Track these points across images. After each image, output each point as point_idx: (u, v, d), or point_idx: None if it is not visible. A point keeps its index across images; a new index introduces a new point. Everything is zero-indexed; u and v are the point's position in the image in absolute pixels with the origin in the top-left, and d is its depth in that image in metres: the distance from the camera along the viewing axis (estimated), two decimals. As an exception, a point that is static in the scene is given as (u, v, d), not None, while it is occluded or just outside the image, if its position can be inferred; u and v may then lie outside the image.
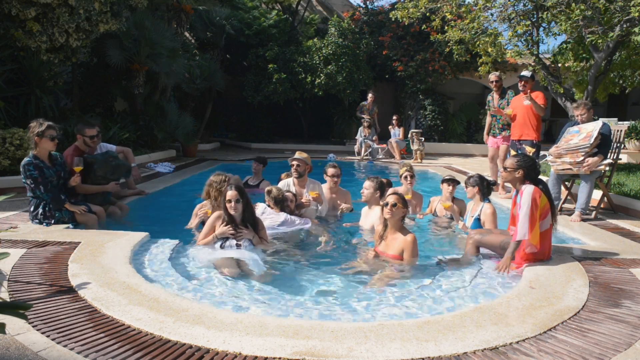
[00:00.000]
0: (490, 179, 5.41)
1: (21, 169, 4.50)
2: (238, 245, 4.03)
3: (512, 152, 6.61)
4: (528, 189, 3.71)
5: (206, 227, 4.18)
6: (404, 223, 3.99)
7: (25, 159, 4.50)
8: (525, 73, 6.72)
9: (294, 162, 5.42)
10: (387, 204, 3.88)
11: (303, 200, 5.16)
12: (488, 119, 7.67)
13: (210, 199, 4.69)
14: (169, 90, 12.24)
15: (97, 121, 6.07)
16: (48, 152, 4.60)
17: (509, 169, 3.87)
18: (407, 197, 5.64)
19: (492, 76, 7.40)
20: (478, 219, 4.77)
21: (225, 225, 4.06)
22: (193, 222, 4.81)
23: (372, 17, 15.68)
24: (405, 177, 5.72)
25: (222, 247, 4.02)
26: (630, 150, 10.38)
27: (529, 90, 6.52)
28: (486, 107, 7.62)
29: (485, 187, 4.88)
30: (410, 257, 3.83)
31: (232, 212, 4.04)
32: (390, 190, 5.25)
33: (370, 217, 4.99)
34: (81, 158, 4.83)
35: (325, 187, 5.73)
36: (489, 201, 4.89)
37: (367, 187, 5.02)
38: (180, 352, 2.27)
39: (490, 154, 7.65)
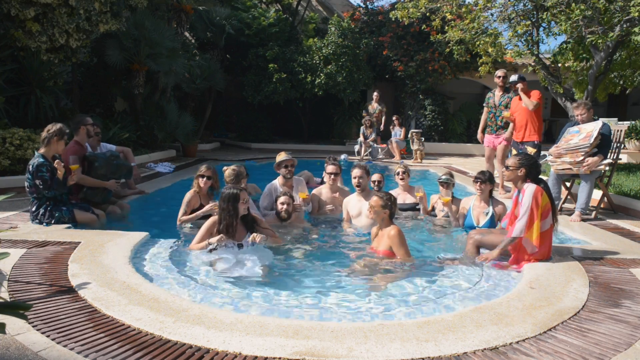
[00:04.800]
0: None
1: (31, 169, 4.47)
2: (240, 246, 4.02)
3: (514, 152, 6.61)
4: (530, 188, 3.75)
5: (202, 231, 4.08)
6: (392, 219, 4.06)
7: (37, 160, 4.48)
8: (514, 77, 6.74)
9: (287, 164, 5.34)
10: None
11: (295, 204, 5.09)
12: (484, 116, 7.64)
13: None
14: (169, 90, 12.24)
15: (98, 121, 6.09)
16: (55, 153, 4.65)
17: (511, 168, 3.92)
18: (418, 193, 5.67)
19: (500, 72, 7.37)
20: (493, 216, 4.84)
21: (225, 227, 4.02)
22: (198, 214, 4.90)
23: (372, 17, 15.68)
24: (398, 173, 5.75)
25: (225, 246, 4.02)
26: (630, 150, 10.37)
27: (519, 89, 6.62)
28: (484, 104, 7.59)
29: (493, 186, 5.04)
30: (400, 251, 3.85)
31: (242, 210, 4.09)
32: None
33: (363, 206, 5.01)
34: (77, 157, 4.89)
35: (325, 187, 5.64)
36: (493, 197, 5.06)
37: (360, 175, 5.06)
38: (180, 352, 2.27)
39: (487, 153, 7.61)
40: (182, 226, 4.88)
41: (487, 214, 4.86)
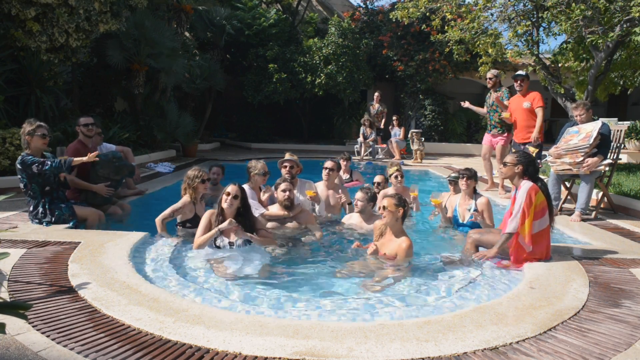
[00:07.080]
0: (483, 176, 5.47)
1: (19, 166, 4.48)
2: (231, 244, 3.99)
3: (514, 150, 6.63)
4: (525, 185, 3.76)
5: (203, 225, 4.06)
6: (403, 222, 3.99)
7: (20, 157, 4.51)
8: (521, 72, 6.77)
9: (286, 164, 5.27)
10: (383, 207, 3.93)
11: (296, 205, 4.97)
12: (484, 110, 7.71)
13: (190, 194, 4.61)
14: (169, 90, 12.25)
15: (97, 121, 6.08)
16: (41, 152, 4.61)
17: (509, 164, 3.94)
18: (413, 192, 5.64)
19: (489, 73, 7.46)
20: (476, 211, 4.84)
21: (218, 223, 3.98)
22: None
23: (372, 17, 15.69)
24: (396, 176, 5.73)
25: (217, 245, 4.00)
26: (630, 150, 10.38)
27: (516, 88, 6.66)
28: (485, 104, 7.64)
29: (477, 182, 5.04)
30: (403, 262, 3.84)
31: (224, 205, 4.00)
32: (381, 194, 5.27)
33: (365, 227, 4.97)
34: (64, 148, 4.90)
35: (321, 184, 5.60)
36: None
37: (361, 199, 4.99)
38: (180, 352, 2.27)
39: (483, 151, 7.64)
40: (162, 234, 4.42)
41: (469, 209, 4.88)
